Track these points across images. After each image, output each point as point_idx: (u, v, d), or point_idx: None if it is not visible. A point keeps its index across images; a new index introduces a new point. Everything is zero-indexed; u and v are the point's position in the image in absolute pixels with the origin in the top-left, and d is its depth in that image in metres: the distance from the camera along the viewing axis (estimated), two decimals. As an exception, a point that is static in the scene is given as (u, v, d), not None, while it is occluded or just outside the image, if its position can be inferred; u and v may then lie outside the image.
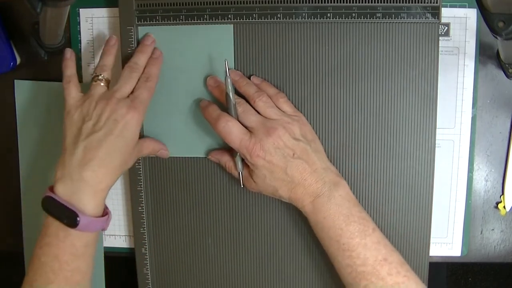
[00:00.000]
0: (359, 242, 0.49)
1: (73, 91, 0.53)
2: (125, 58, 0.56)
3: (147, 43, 0.55)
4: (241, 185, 0.54)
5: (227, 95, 0.52)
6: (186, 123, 0.57)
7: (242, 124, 0.52)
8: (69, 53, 0.55)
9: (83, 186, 0.48)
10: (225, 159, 0.55)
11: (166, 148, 0.58)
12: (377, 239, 0.50)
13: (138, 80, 0.53)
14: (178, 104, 0.57)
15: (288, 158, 0.50)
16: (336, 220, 0.50)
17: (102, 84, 0.53)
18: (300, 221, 0.57)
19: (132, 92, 0.53)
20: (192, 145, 0.58)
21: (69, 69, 0.54)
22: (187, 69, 0.57)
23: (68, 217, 0.47)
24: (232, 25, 0.56)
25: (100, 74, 0.53)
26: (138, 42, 0.56)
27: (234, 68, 0.56)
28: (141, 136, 0.57)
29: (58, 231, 0.48)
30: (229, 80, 0.52)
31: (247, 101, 0.53)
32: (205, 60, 0.56)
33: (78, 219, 0.47)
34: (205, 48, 0.56)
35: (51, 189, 0.49)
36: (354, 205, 0.51)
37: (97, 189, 0.49)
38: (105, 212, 0.51)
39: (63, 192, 0.48)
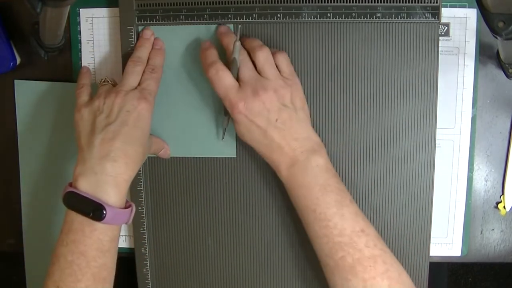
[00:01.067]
0: (336, 212, 0.48)
1: (83, 95, 0.54)
2: (125, 57, 0.56)
3: (147, 37, 0.56)
4: (224, 127, 0.54)
5: (233, 59, 0.51)
6: (186, 123, 0.57)
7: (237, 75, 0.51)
8: (85, 69, 0.57)
9: (106, 178, 0.47)
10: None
11: (168, 148, 0.58)
12: (354, 210, 0.49)
13: (144, 72, 0.53)
14: (178, 104, 0.57)
15: (271, 122, 0.50)
16: (312, 189, 0.49)
17: (108, 85, 0.54)
18: (300, 222, 0.57)
19: (139, 84, 0.53)
20: (192, 145, 0.58)
21: (84, 79, 0.56)
22: (187, 69, 0.57)
23: (95, 210, 0.46)
24: (232, 25, 0.56)
25: (106, 77, 0.55)
26: (138, 37, 0.56)
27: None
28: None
29: (83, 226, 0.47)
30: (237, 44, 0.51)
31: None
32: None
33: (104, 211, 0.46)
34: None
35: (71, 184, 0.48)
36: (332, 176, 0.50)
37: (120, 180, 0.48)
38: (128, 204, 0.51)
39: (87, 186, 0.47)
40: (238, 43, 0.51)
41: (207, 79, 0.52)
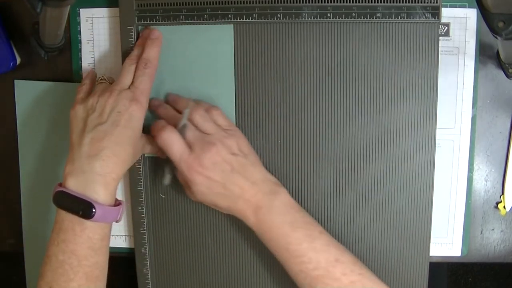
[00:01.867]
0: (308, 246, 0.49)
1: (82, 92, 0.54)
2: (125, 57, 0.56)
3: (147, 36, 0.55)
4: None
5: (184, 125, 0.52)
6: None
7: None
8: (91, 71, 0.57)
9: (95, 177, 0.48)
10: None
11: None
12: (325, 241, 0.50)
13: (136, 68, 0.53)
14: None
15: (227, 172, 0.50)
16: (281, 228, 0.50)
17: (105, 83, 0.54)
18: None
19: (132, 82, 0.52)
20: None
21: (87, 78, 0.56)
22: (186, 69, 0.57)
23: (84, 208, 0.47)
24: (232, 25, 0.56)
25: (104, 75, 0.55)
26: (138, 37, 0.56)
27: (234, 69, 0.56)
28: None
29: (73, 225, 0.47)
30: (187, 111, 0.52)
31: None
32: (205, 60, 0.56)
33: (93, 209, 0.46)
34: (205, 48, 0.56)
35: (61, 184, 0.49)
36: (297, 211, 0.51)
37: (108, 179, 0.48)
38: (118, 203, 0.51)
39: (75, 185, 0.48)
40: (188, 110, 0.52)
41: (158, 141, 0.52)
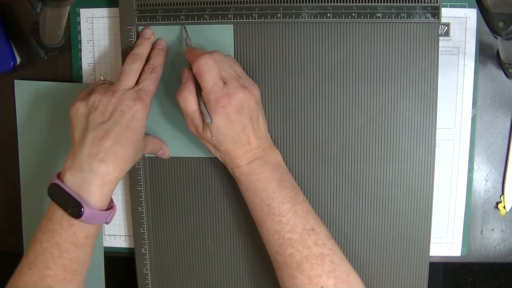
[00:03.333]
0: (290, 208, 0.50)
1: (84, 92, 0.54)
2: (125, 57, 0.56)
3: (147, 36, 0.55)
4: (212, 137, 0.50)
5: (208, 123, 0.50)
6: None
7: None
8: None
9: (92, 177, 0.48)
10: (193, 109, 0.51)
11: (168, 148, 0.58)
12: (306, 208, 0.51)
13: (143, 71, 0.53)
14: (177, 104, 0.57)
15: (246, 120, 0.50)
16: (269, 183, 0.50)
17: (106, 84, 0.54)
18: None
19: (137, 84, 0.52)
20: (192, 145, 0.58)
21: (91, 86, 0.56)
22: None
23: (73, 207, 0.47)
24: (232, 25, 0.56)
25: (104, 77, 0.55)
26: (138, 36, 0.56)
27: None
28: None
29: (62, 219, 0.48)
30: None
31: None
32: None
33: (82, 210, 0.47)
34: (205, 48, 0.56)
35: (59, 176, 0.49)
36: (287, 173, 0.52)
37: (106, 180, 0.48)
38: (110, 206, 0.51)
39: (72, 181, 0.48)
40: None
41: (195, 67, 0.50)
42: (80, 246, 0.49)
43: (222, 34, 0.56)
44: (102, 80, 0.55)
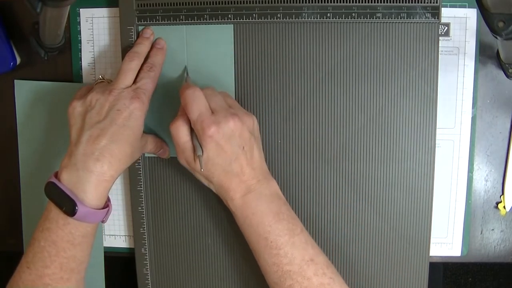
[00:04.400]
0: (287, 240, 0.49)
1: (82, 90, 0.54)
2: (125, 58, 0.56)
3: (146, 36, 0.55)
4: (201, 169, 0.50)
5: (199, 156, 0.50)
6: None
7: None
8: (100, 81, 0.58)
9: (87, 176, 0.48)
10: (184, 140, 0.51)
11: (168, 148, 0.58)
12: (305, 239, 0.50)
13: (141, 70, 0.53)
14: (178, 104, 0.57)
15: (238, 149, 0.49)
16: (265, 216, 0.49)
17: (104, 82, 0.54)
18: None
19: (135, 82, 0.52)
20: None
21: (90, 85, 0.56)
22: (187, 69, 0.57)
23: (68, 205, 0.47)
24: (232, 25, 0.56)
25: (103, 76, 0.55)
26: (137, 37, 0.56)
27: (234, 69, 0.56)
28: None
29: (58, 217, 0.48)
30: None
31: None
32: (205, 60, 0.56)
33: (76, 208, 0.47)
34: (205, 48, 0.56)
35: (56, 175, 0.49)
36: (284, 203, 0.51)
37: (101, 179, 0.48)
38: (106, 205, 0.51)
39: (67, 179, 0.48)
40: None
41: (182, 98, 0.50)
42: (76, 244, 0.49)
43: (222, 34, 0.56)
44: (100, 79, 0.55)
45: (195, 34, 0.56)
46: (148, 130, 0.58)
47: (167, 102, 0.57)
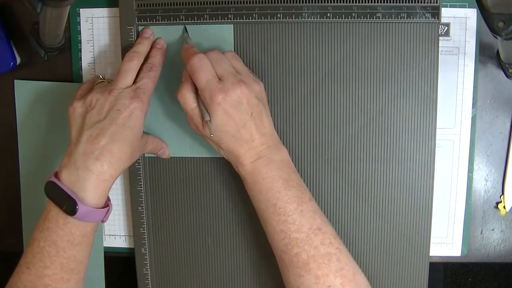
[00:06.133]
0: (295, 208, 0.49)
1: (81, 89, 0.54)
2: (125, 58, 0.56)
3: (146, 35, 0.55)
4: (210, 134, 0.50)
5: (207, 121, 0.50)
6: (186, 123, 0.57)
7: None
8: (94, 76, 0.58)
9: (87, 175, 0.48)
10: (192, 107, 0.51)
11: (168, 148, 0.58)
12: (313, 208, 0.50)
13: (141, 70, 0.53)
14: (177, 104, 0.57)
15: (246, 115, 0.49)
16: (275, 182, 0.49)
17: (104, 82, 0.54)
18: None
19: (135, 82, 0.52)
20: (192, 145, 0.58)
21: (89, 82, 0.56)
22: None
23: (68, 204, 0.47)
24: (232, 25, 0.56)
25: (103, 75, 0.55)
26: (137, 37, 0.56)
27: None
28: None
29: (57, 217, 0.48)
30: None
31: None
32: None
33: (77, 207, 0.47)
34: (205, 47, 0.56)
35: (56, 174, 0.49)
36: (294, 172, 0.51)
37: (101, 179, 0.48)
38: (106, 204, 0.51)
39: (67, 179, 0.48)
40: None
41: (189, 67, 0.50)
42: (76, 244, 0.49)
43: (222, 34, 0.56)
44: (100, 79, 0.55)
45: (195, 34, 0.56)
46: (148, 130, 0.57)
47: (167, 102, 0.57)
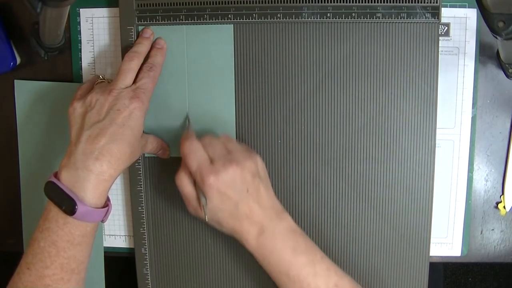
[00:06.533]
0: (308, 272, 0.49)
1: (81, 89, 0.54)
2: (125, 58, 0.56)
3: (146, 35, 0.55)
4: (205, 218, 0.51)
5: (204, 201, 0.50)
6: (186, 123, 0.57)
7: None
8: (94, 76, 0.58)
9: (87, 175, 0.48)
10: (188, 190, 0.52)
11: (168, 148, 0.58)
12: (326, 266, 0.50)
13: (141, 70, 0.53)
14: (177, 104, 0.57)
15: (242, 193, 0.50)
16: (283, 254, 0.50)
17: (104, 83, 0.54)
18: (299, 221, 0.57)
19: (134, 82, 0.52)
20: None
21: (89, 81, 0.56)
22: (186, 69, 0.57)
23: (67, 204, 0.47)
24: (232, 25, 0.56)
25: (103, 75, 0.56)
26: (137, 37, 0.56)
27: (234, 69, 0.56)
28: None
29: (57, 217, 0.48)
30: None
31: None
32: (205, 60, 0.56)
33: (76, 207, 0.47)
34: (205, 48, 0.56)
35: (56, 175, 0.49)
36: (300, 235, 0.51)
37: (101, 179, 0.48)
38: (106, 204, 0.51)
39: (67, 179, 0.48)
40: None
41: (181, 151, 0.51)
42: (76, 244, 0.49)
43: (222, 34, 0.56)
44: (100, 79, 0.55)
45: (195, 34, 0.56)
46: (148, 130, 0.57)
47: (167, 102, 0.57)
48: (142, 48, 0.54)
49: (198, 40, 0.56)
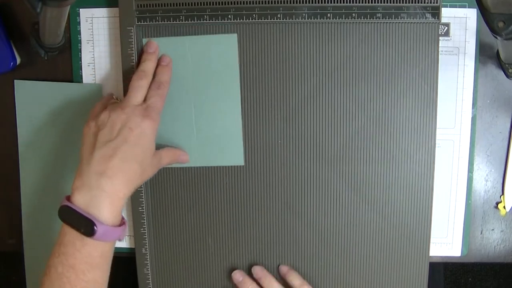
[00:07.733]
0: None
1: (97, 107, 0.54)
2: (126, 58, 0.56)
3: (151, 51, 0.55)
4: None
5: None
6: (193, 132, 0.57)
7: None
8: (108, 95, 0.59)
9: (100, 195, 0.47)
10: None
11: (185, 153, 0.57)
12: None
13: (150, 88, 0.53)
14: (180, 110, 0.57)
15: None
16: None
17: (117, 102, 0.54)
18: (300, 222, 0.58)
19: (144, 100, 0.52)
20: (194, 153, 0.58)
21: (104, 99, 0.56)
22: (190, 76, 0.57)
23: (86, 225, 0.47)
24: (235, 34, 0.55)
25: (116, 96, 0.57)
26: (141, 49, 0.56)
27: (240, 71, 0.56)
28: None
29: (74, 240, 0.47)
30: None
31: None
32: (209, 70, 0.56)
33: (95, 228, 0.46)
34: (209, 59, 0.56)
35: (68, 198, 0.49)
36: None
37: (115, 197, 0.48)
38: (122, 222, 0.50)
39: (81, 201, 0.48)
40: None
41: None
42: (95, 266, 0.48)
43: (226, 45, 0.56)
44: (114, 99, 0.56)
45: (199, 45, 0.56)
46: (158, 141, 0.57)
47: (167, 109, 0.57)
48: (149, 65, 0.54)
49: (202, 52, 0.56)
